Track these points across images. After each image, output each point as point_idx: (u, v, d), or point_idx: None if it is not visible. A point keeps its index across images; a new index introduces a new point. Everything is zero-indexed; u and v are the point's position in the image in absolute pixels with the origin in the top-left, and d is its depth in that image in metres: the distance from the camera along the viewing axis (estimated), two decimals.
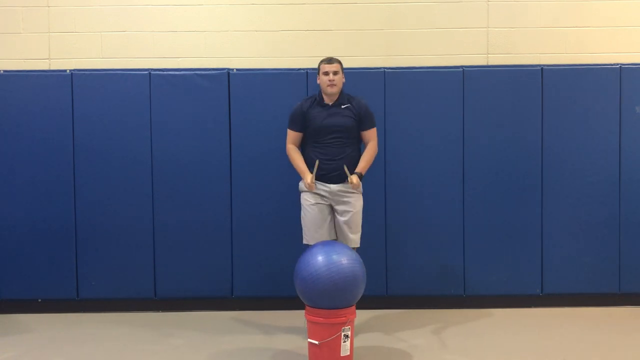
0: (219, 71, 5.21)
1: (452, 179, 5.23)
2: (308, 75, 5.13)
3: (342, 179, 4.45)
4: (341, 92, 4.52)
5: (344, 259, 3.92)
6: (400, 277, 5.23)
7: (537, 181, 5.23)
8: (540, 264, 5.25)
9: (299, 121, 4.51)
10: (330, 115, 4.46)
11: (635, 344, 4.48)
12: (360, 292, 4.01)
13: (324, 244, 4.12)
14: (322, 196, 4.47)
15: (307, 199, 4.51)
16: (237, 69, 5.23)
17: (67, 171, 5.17)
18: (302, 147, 4.59)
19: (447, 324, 4.90)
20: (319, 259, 3.92)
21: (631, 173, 5.22)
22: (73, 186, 5.18)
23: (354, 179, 4.38)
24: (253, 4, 5.38)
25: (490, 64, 5.37)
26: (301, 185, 4.54)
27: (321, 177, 4.46)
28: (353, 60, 5.31)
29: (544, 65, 5.25)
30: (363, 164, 4.50)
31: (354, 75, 5.04)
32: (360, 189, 4.49)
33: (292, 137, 4.56)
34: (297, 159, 4.53)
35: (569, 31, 5.39)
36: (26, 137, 5.17)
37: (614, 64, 5.24)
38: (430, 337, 4.64)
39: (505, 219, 5.23)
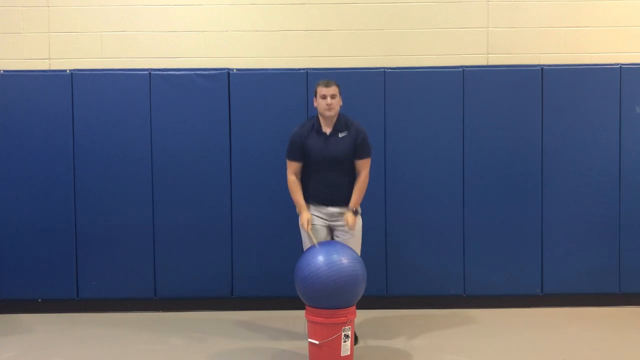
0: (219, 71, 5.21)
1: (452, 179, 5.23)
2: (308, 75, 5.13)
3: (339, 202, 4.37)
4: (339, 117, 4.39)
5: (345, 259, 3.92)
6: (400, 277, 5.23)
7: (537, 181, 5.23)
8: (540, 264, 5.25)
9: (298, 151, 4.38)
10: (329, 145, 4.34)
11: (635, 344, 4.48)
12: (360, 292, 4.01)
13: (324, 243, 4.12)
14: (319, 218, 4.41)
15: None
16: (237, 69, 5.23)
17: (67, 171, 5.17)
18: (301, 175, 4.47)
19: (447, 324, 4.90)
20: (320, 258, 3.92)
21: (631, 173, 5.22)
22: (73, 186, 5.18)
23: (350, 219, 4.29)
24: (253, 4, 5.38)
25: (490, 64, 5.37)
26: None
27: (318, 202, 4.39)
28: (353, 60, 5.31)
29: (544, 65, 5.26)
30: (355, 199, 4.36)
31: (354, 75, 5.04)
32: (356, 225, 4.37)
33: (293, 167, 4.41)
34: (297, 193, 4.38)
35: (569, 31, 5.39)
36: (26, 137, 5.17)
37: (614, 64, 5.24)
38: (430, 337, 4.64)
39: (505, 219, 5.23)
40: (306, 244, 4.44)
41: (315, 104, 4.42)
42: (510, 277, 5.25)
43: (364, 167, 4.41)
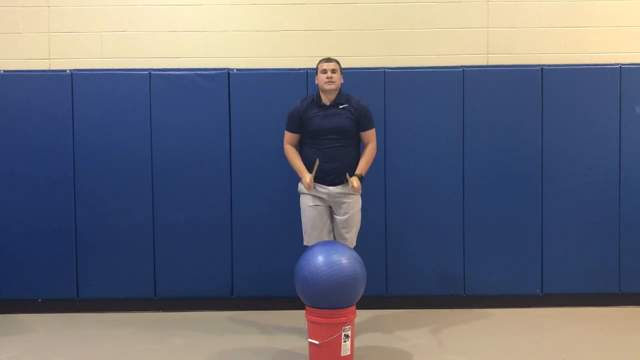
0: (219, 71, 5.21)
1: (452, 179, 5.23)
2: (308, 75, 5.13)
3: (341, 181, 4.44)
4: (339, 92, 4.50)
5: (345, 259, 3.92)
6: (400, 277, 5.23)
7: (537, 181, 5.23)
8: (540, 264, 5.25)
9: (296, 123, 4.51)
10: (328, 116, 4.44)
11: (635, 344, 4.48)
12: (360, 292, 4.01)
13: (324, 243, 4.12)
14: (320, 198, 4.46)
15: (305, 201, 4.52)
16: (237, 69, 5.23)
17: (67, 171, 5.17)
18: (301, 147, 4.59)
19: (447, 324, 4.90)
20: (320, 258, 3.92)
21: (631, 173, 5.22)
22: (73, 186, 5.18)
23: (355, 182, 4.36)
24: (253, 4, 5.38)
25: (490, 64, 5.37)
26: (300, 187, 4.53)
27: (320, 179, 4.44)
28: (353, 60, 5.31)
29: (544, 65, 5.26)
30: (362, 165, 4.48)
31: (354, 75, 5.04)
32: (360, 190, 4.48)
33: (289, 138, 4.57)
34: (295, 159, 4.52)
35: (569, 31, 5.39)
36: (26, 137, 5.17)
37: (614, 64, 5.24)
38: (430, 337, 4.64)
39: (505, 219, 5.23)
40: (307, 226, 4.46)
41: (316, 82, 4.54)
42: (510, 277, 5.25)
43: (370, 138, 4.52)
